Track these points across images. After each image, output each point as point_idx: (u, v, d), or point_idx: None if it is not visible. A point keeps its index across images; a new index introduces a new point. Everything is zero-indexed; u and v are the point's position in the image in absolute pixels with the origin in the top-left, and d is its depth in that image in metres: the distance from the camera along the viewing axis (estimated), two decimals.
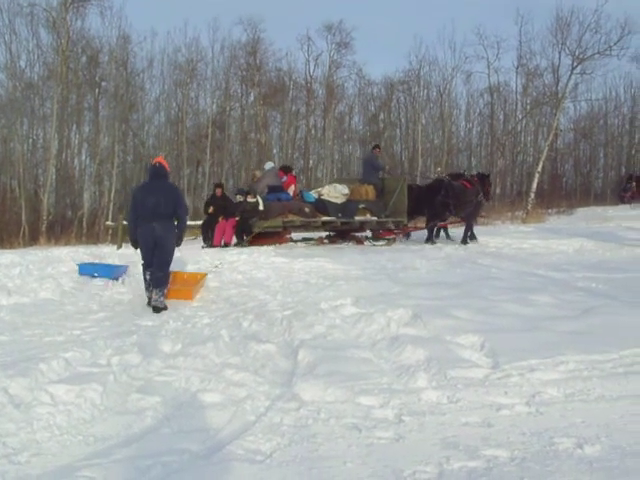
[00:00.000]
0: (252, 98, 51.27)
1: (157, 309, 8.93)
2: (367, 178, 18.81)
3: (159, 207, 9.73)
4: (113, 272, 11.34)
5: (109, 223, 24.69)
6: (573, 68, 44.18)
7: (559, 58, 46.44)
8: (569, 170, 56.16)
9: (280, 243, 16.12)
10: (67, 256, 12.89)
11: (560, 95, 45.65)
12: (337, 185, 17.74)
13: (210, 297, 9.76)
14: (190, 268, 11.84)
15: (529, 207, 34.27)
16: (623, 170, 47.30)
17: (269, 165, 18.21)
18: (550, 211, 35.49)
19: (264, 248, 14.73)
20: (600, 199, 45.51)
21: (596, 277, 11.28)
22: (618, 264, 13.58)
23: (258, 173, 18.05)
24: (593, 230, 21.48)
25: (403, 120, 57.59)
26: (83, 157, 43.05)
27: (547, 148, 44.81)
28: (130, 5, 67.93)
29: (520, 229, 21.14)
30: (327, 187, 17.72)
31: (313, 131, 54.48)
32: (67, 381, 5.21)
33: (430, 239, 18.02)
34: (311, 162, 54.28)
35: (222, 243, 15.78)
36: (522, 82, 51.91)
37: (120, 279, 11.18)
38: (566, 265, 13.39)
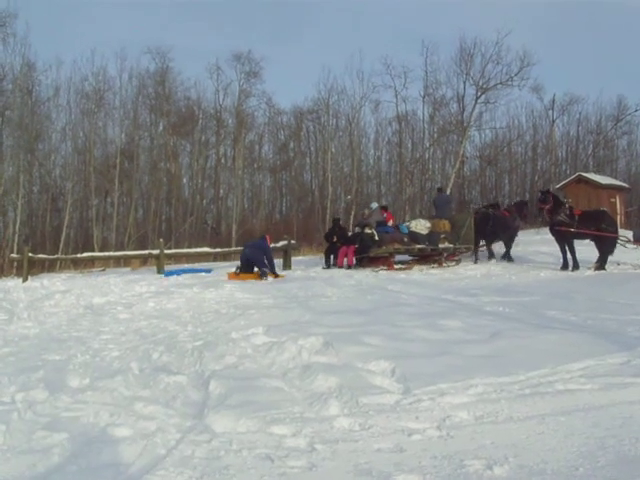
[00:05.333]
0: (161, 127, 50.94)
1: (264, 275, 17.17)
2: (443, 214, 22.81)
3: (253, 247, 18.19)
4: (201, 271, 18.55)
5: (14, 255, 24.02)
6: (477, 97, 45.62)
7: (464, 88, 47.83)
8: (476, 196, 57.39)
9: (387, 265, 19.53)
10: None
11: (465, 124, 46.95)
12: (421, 220, 22.03)
13: (120, 329, 9.58)
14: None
15: None
16: (527, 196, 48.58)
17: (374, 205, 23.05)
18: None
19: (171, 280, 15.31)
20: None
21: (503, 301, 11.53)
22: (524, 287, 13.91)
23: (367, 212, 22.40)
24: (500, 254, 21.99)
25: (313, 149, 58.15)
26: None
27: (454, 175, 45.99)
28: (35, 32, 66.81)
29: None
30: (414, 222, 21.83)
31: (223, 160, 54.48)
32: None
33: (492, 255, 21.61)
34: (221, 191, 54.12)
35: (345, 264, 19.80)
36: (429, 111, 53.09)
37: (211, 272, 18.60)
38: (474, 290, 13.63)
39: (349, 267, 19.42)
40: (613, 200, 36.45)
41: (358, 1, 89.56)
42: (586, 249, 18.68)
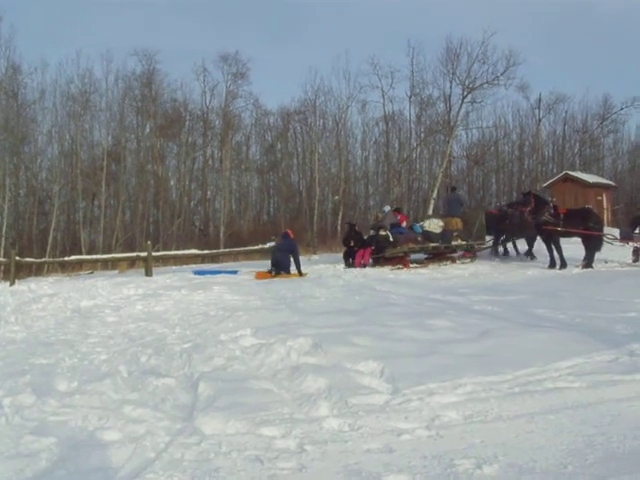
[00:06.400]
0: (148, 129, 50.71)
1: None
2: (453, 213, 23.56)
3: (282, 251, 18.89)
4: (229, 272, 19.13)
5: (1, 259, 23.91)
6: (464, 97, 45.74)
7: (450, 87, 47.89)
8: (463, 196, 57.43)
9: (403, 264, 20.33)
10: None
11: (452, 123, 47.02)
12: (434, 219, 22.64)
13: (108, 332, 9.54)
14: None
15: None
16: (514, 195, 48.71)
17: (387, 208, 23.66)
18: None
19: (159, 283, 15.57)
20: None
21: (491, 300, 11.56)
22: (512, 286, 13.93)
23: (380, 215, 23.15)
24: (487, 253, 22.08)
25: (300, 149, 58.06)
26: None
27: (441, 175, 46.02)
28: (20, 35, 66.40)
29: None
30: (427, 221, 22.41)
31: (210, 162, 54.30)
32: None
33: (498, 253, 22.22)
34: (209, 193, 53.96)
35: (362, 264, 20.56)
36: (416, 111, 53.09)
37: (237, 273, 19.01)
38: (462, 289, 13.65)
39: (364, 266, 20.43)
40: (600, 198, 36.61)
41: (344, 1, 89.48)
42: (573, 247, 18.75)
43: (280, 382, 6.30)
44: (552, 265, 17.92)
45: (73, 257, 23.68)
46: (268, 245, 21.89)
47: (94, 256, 28.14)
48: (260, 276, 18.13)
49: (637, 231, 19.16)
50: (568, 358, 6.57)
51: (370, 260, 21.00)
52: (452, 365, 6.46)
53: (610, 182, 42.01)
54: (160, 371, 6.90)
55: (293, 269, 18.95)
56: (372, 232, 21.87)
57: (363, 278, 16.59)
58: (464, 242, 22.28)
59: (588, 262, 17.72)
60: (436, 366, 6.43)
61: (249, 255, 26.55)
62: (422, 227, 22.09)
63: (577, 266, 17.63)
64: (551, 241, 18.20)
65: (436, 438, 4.68)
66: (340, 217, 48.05)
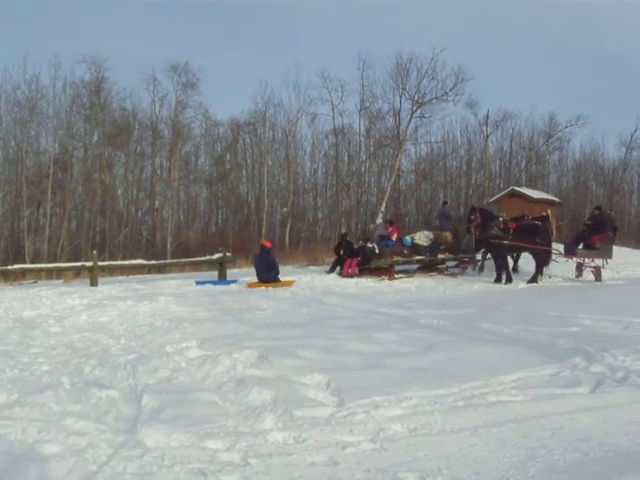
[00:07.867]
0: (96, 138, 50.02)
1: None
2: (442, 226, 24.58)
3: (263, 272, 18.85)
4: (225, 283, 19.88)
5: None
6: (413, 112, 46.12)
7: (400, 102, 48.21)
8: (411, 210, 57.90)
9: (388, 275, 20.96)
10: None
11: (401, 137, 47.35)
12: (425, 232, 23.51)
13: (50, 343, 9.38)
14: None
15: None
16: (462, 210, 49.17)
17: (379, 220, 24.69)
18: None
19: (108, 292, 15.39)
20: None
21: (438, 314, 11.67)
22: (458, 300, 14.08)
23: (372, 226, 25.31)
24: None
25: (249, 161, 57.88)
26: None
27: (390, 189, 46.29)
28: None
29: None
30: (418, 234, 23.29)
31: (159, 171, 53.76)
32: None
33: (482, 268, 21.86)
34: (157, 203, 53.42)
35: (349, 273, 21.41)
36: (365, 125, 53.30)
37: (235, 284, 19.31)
38: (409, 302, 13.76)
39: (352, 276, 21.16)
40: (545, 214, 37.11)
41: (295, 14, 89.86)
42: (520, 262, 19.06)
43: (225, 394, 6.27)
44: (498, 279, 18.15)
45: (16, 266, 23.15)
46: (216, 256, 21.73)
47: (38, 265, 27.70)
48: (252, 285, 18.46)
49: (580, 247, 19.52)
50: (512, 372, 6.67)
51: (357, 270, 21.59)
52: (398, 378, 6.50)
53: (555, 198, 42.62)
54: (104, 382, 6.80)
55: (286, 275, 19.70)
56: (361, 243, 23.04)
57: (310, 291, 16.62)
58: (451, 255, 22.85)
59: (534, 277, 17.98)
60: (382, 379, 6.46)
61: (196, 266, 26.35)
62: (412, 239, 22.83)
63: (523, 281, 17.90)
64: (500, 256, 18.44)
65: (380, 451, 4.70)
66: (288, 229, 48.07)
